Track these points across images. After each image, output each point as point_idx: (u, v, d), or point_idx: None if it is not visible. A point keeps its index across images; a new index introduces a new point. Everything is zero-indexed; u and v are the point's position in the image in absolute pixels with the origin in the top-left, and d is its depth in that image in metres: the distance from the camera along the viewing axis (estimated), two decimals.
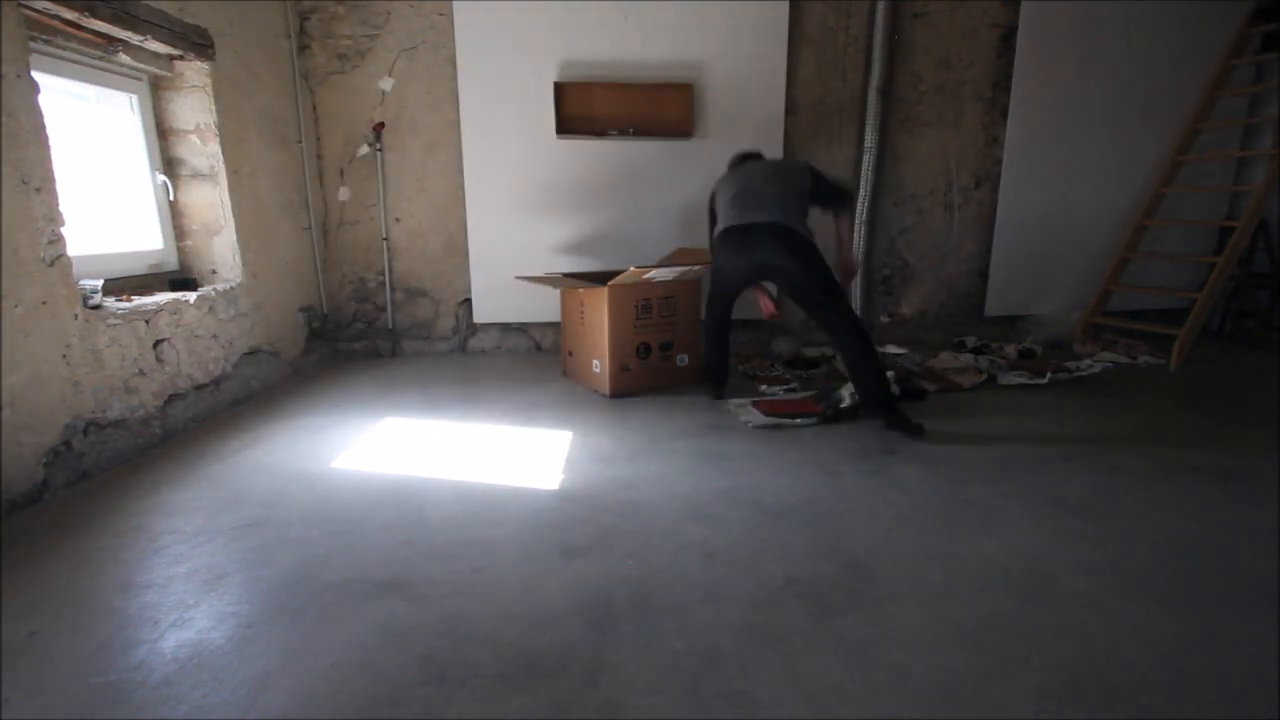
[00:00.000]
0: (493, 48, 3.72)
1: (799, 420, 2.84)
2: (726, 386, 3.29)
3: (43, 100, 2.16)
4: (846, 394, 2.90)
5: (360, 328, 4.11)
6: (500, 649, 1.43)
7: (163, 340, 2.66)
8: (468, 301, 4.10)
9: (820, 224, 3.04)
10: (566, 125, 3.80)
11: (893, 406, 2.71)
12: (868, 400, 2.75)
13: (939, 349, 4.06)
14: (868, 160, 3.97)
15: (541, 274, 3.66)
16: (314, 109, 3.81)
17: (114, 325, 2.42)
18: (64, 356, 2.21)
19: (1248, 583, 1.67)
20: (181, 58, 2.90)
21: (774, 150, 3.98)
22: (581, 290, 3.32)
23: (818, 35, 3.94)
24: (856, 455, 2.51)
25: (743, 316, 4.18)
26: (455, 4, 3.66)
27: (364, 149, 3.86)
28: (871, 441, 2.64)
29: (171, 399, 2.71)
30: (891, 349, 4.12)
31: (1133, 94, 4.18)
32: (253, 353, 3.28)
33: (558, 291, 3.69)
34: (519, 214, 3.93)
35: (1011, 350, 3.89)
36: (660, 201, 3.98)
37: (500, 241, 3.95)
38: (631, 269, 3.11)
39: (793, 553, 1.82)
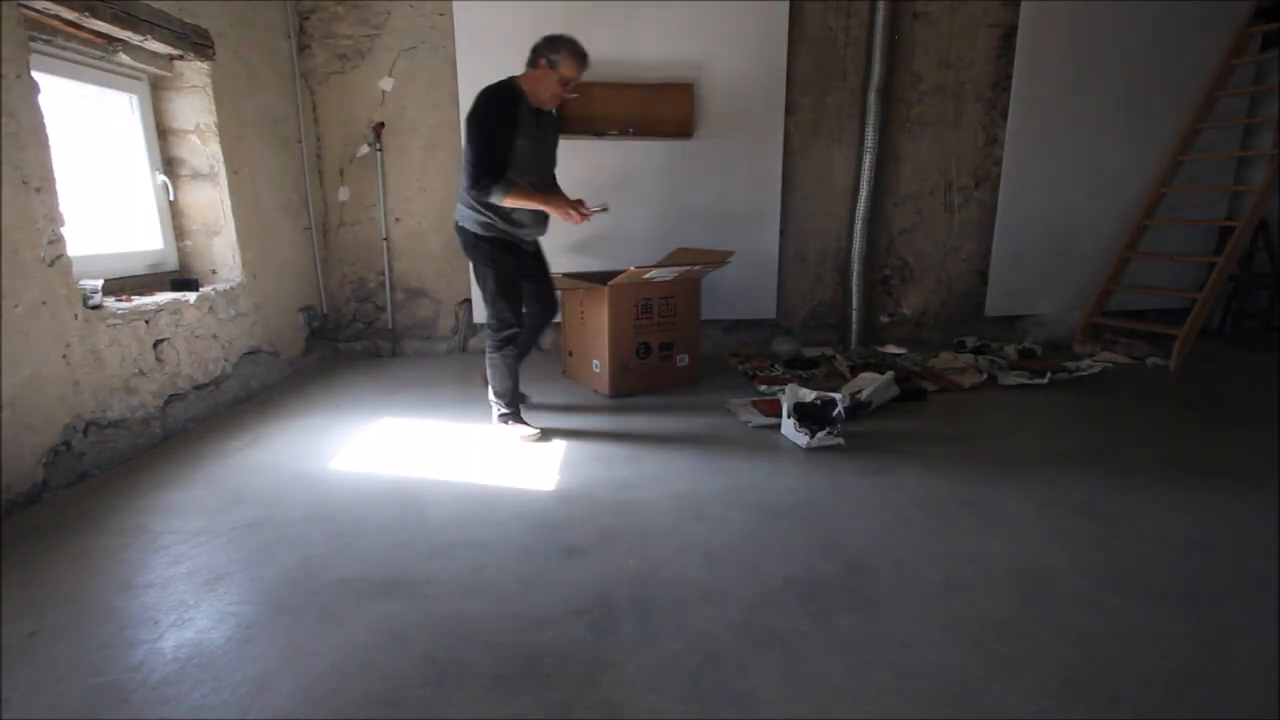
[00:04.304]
0: (493, 48, 3.72)
1: None
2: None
3: (43, 100, 2.16)
4: (848, 394, 2.90)
5: (360, 328, 4.11)
6: (500, 649, 1.43)
7: (163, 340, 2.66)
8: (468, 301, 4.09)
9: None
10: (566, 125, 3.79)
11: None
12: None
13: (939, 349, 4.06)
14: (868, 160, 3.97)
15: None
16: (314, 109, 3.81)
17: (114, 325, 2.42)
18: (64, 356, 2.21)
19: (1248, 583, 1.67)
20: (181, 58, 2.90)
21: (774, 151, 3.99)
22: (581, 290, 3.32)
23: (818, 35, 3.93)
24: (857, 455, 2.51)
25: (744, 316, 4.22)
26: (455, 4, 3.66)
27: (364, 149, 3.86)
28: (872, 441, 2.64)
29: (171, 399, 2.71)
30: (891, 349, 4.12)
31: (1133, 94, 4.18)
32: (253, 353, 3.28)
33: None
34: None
35: (1011, 350, 3.89)
36: (660, 201, 3.98)
37: None
38: (631, 269, 3.11)
39: (793, 553, 1.82)
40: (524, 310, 2.78)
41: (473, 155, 2.48)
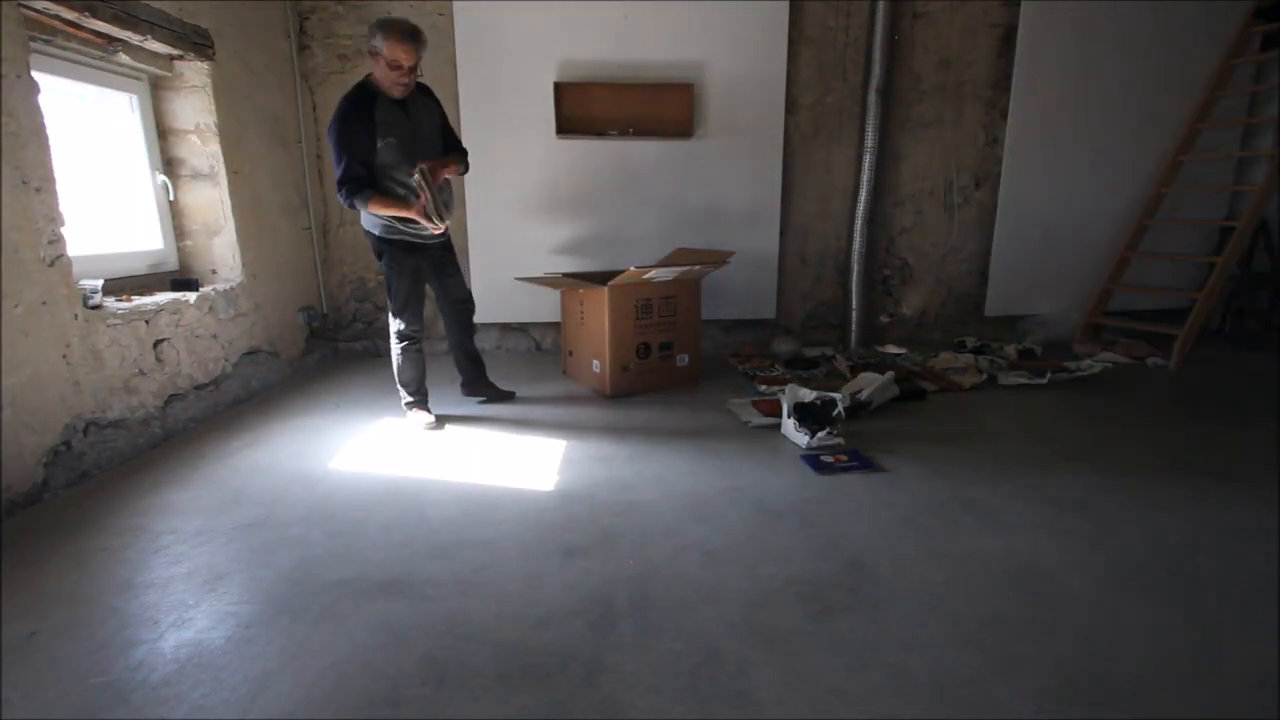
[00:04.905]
0: (493, 48, 3.72)
1: None
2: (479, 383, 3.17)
3: (43, 100, 2.16)
4: (848, 394, 2.90)
5: (360, 328, 4.11)
6: (500, 649, 1.43)
7: (163, 340, 2.66)
8: None
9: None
10: (566, 125, 3.80)
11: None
12: None
13: (939, 349, 4.06)
14: (868, 160, 3.96)
15: (541, 274, 3.66)
16: (314, 109, 3.81)
17: (114, 325, 2.42)
18: (64, 356, 2.21)
19: (1248, 583, 1.67)
20: (181, 58, 2.90)
21: (774, 151, 3.99)
22: (581, 290, 3.32)
23: (818, 35, 3.93)
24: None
25: (744, 316, 4.22)
26: (455, 4, 3.66)
27: None
28: (872, 441, 2.64)
29: (171, 399, 2.71)
30: (891, 349, 4.12)
31: (1133, 94, 4.17)
32: (253, 353, 3.28)
33: (558, 291, 3.69)
34: (519, 214, 3.93)
35: (1011, 350, 3.89)
36: (660, 201, 3.98)
37: (500, 241, 3.95)
38: (631, 269, 3.11)
39: (793, 553, 1.82)
40: (442, 307, 2.98)
41: (334, 166, 2.49)
